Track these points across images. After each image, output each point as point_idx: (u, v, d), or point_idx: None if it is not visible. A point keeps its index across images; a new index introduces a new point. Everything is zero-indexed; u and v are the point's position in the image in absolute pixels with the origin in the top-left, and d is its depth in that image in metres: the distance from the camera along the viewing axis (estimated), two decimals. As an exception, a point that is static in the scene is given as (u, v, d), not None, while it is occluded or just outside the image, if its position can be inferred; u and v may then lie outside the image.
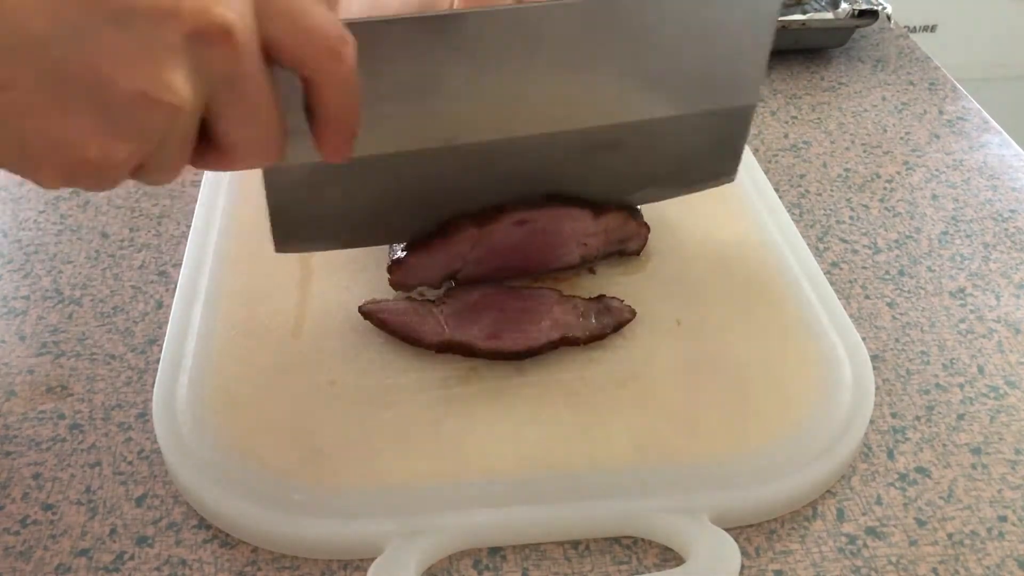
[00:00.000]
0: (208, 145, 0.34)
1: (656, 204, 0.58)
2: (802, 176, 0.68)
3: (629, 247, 0.55)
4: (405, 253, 0.50)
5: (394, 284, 0.51)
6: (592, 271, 0.55)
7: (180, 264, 0.56)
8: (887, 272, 0.58)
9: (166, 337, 0.50)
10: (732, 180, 0.56)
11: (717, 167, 0.55)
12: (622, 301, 0.51)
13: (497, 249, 0.51)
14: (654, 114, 0.49)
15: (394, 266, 0.50)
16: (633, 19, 0.45)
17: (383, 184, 0.47)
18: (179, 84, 0.30)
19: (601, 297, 0.51)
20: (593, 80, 0.47)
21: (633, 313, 0.51)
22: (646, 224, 0.55)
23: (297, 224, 0.48)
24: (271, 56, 0.33)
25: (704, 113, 0.51)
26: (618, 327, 0.50)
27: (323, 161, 0.37)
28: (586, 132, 0.49)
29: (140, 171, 0.33)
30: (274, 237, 0.48)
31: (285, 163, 0.37)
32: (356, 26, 0.35)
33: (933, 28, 1.66)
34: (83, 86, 0.30)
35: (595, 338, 0.49)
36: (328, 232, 0.49)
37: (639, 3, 0.45)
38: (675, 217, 0.59)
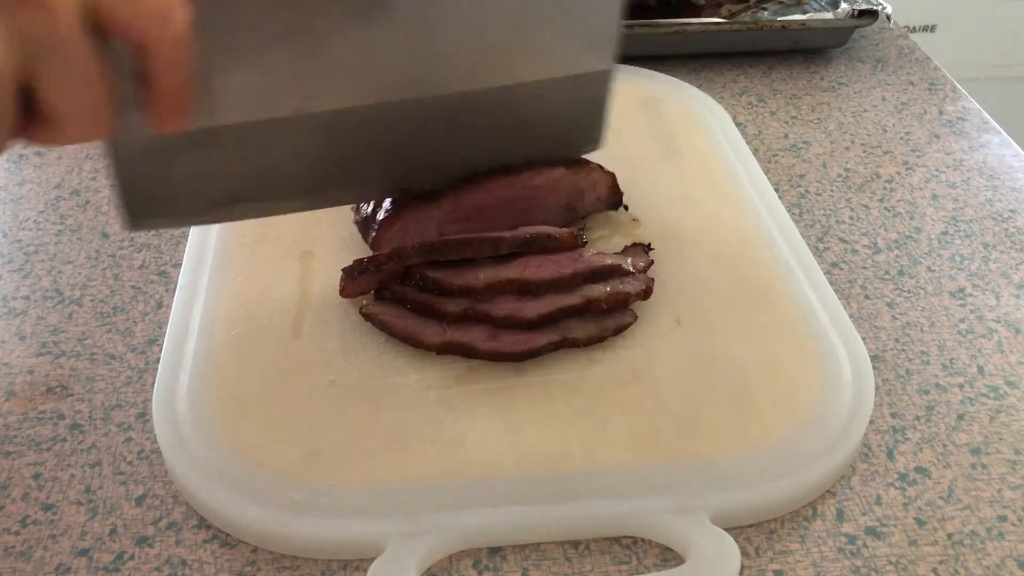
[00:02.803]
0: (35, 117, 0.33)
1: (655, 205, 0.58)
2: (802, 176, 0.68)
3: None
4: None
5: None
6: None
7: (180, 264, 0.57)
8: (887, 272, 0.58)
9: (166, 337, 0.50)
10: (597, 147, 0.56)
11: (581, 133, 0.55)
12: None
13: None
14: (499, 81, 0.50)
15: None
16: None
17: (234, 156, 0.46)
18: None
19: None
20: (440, 47, 0.47)
21: (634, 316, 0.50)
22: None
23: (148, 199, 0.46)
24: (99, 24, 0.32)
25: (554, 79, 0.51)
26: (619, 330, 0.50)
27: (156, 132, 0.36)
28: (434, 100, 0.49)
29: None
30: (124, 214, 0.46)
31: (126, 136, 0.36)
32: None
33: (933, 28, 1.66)
34: None
35: (595, 340, 0.49)
36: (183, 207, 0.48)
37: None
38: (675, 217, 0.59)
